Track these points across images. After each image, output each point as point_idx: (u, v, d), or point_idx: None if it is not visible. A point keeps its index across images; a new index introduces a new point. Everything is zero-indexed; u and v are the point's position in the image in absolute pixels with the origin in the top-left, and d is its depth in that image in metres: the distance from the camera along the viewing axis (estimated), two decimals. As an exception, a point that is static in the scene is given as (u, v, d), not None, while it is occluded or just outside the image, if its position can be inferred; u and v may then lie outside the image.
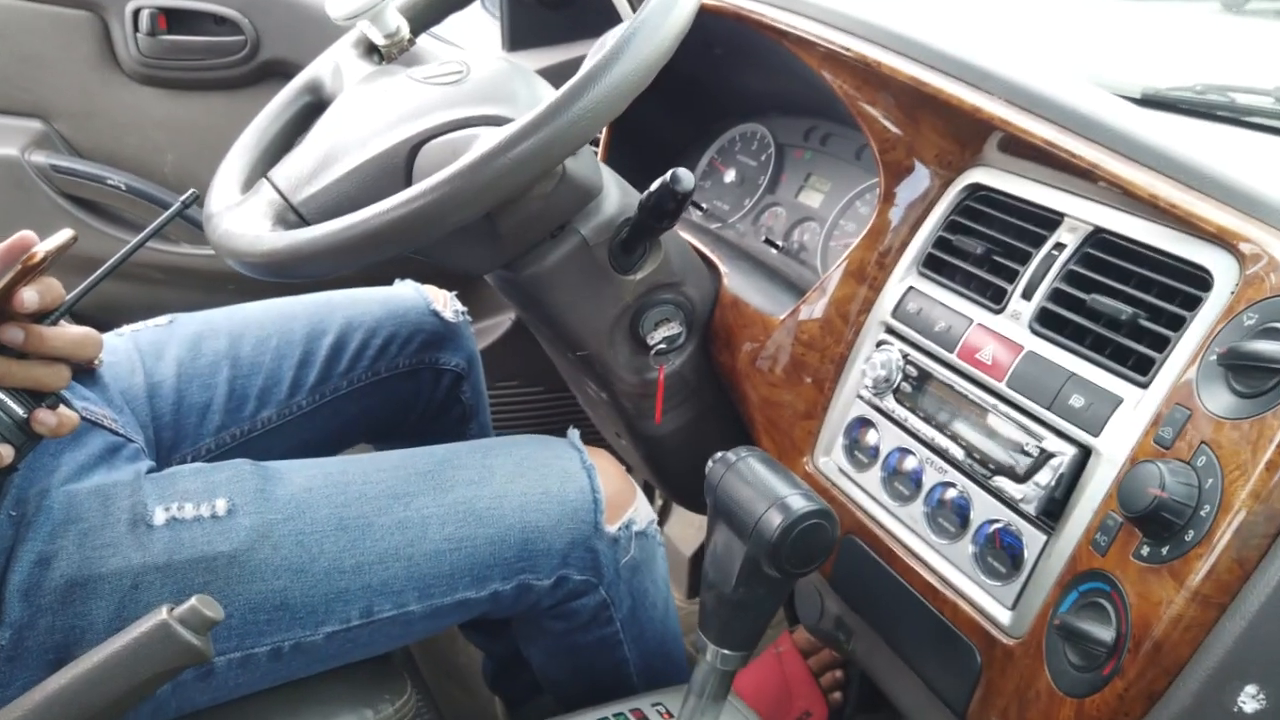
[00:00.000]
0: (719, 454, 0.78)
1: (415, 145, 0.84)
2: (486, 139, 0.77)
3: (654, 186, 0.87)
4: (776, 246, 1.15)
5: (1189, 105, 1.14)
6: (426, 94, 0.88)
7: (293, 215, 0.85)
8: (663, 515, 1.73)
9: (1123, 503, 0.64)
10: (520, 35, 1.53)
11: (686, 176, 0.85)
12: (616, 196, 0.94)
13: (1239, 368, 0.62)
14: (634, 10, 1.47)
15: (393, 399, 1.19)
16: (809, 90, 1.09)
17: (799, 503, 0.70)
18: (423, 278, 1.26)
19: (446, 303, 1.23)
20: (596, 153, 0.97)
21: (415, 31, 1.08)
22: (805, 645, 1.27)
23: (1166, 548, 0.62)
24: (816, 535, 0.70)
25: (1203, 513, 0.60)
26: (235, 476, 0.83)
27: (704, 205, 1.27)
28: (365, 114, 0.89)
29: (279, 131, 0.99)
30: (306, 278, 0.79)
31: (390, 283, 1.25)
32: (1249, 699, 0.58)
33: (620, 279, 0.96)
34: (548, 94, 0.91)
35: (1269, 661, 0.58)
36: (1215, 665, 0.58)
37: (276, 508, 0.82)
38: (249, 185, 0.92)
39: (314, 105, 1.03)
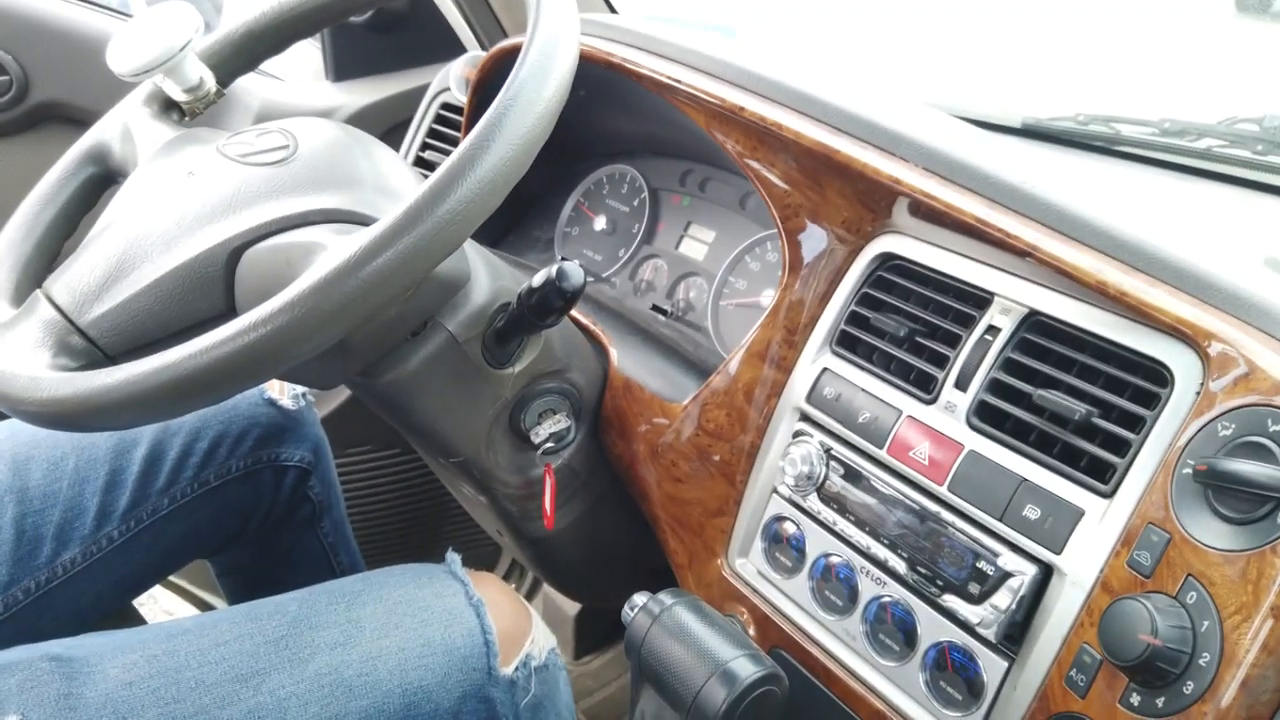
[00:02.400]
0: (639, 599, 0.66)
1: (236, 249, 0.68)
2: (334, 251, 0.61)
3: (536, 282, 0.74)
4: (664, 312, 1.04)
5: (1070, 136, 1.11)
6: (245, 177, 0.71)
7: (79, 341, 0.67)
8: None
9: (1108, 648, 0.56)
10: (346, 64, 1.35)
11: (575, 273, 0.73)
12: (486, 282, 0.80)
13: (1222, 489, 0.56)
14: (473, 31, 1.32)
15: (227, 509, 1.02)
16: (683, 134, 0.99)
17: (746, 669, 0.59)
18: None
19: (282, 388, 1.06)
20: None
21: (224, 81, 0.90)
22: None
23: (1162, 699, 0.55)
24: (766, 704, 0.60)
25: (1202, 662, 0.54)
26: (29, 680, 0.65)
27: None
28: (168, 203, 0.71)
29: (55, 218, 0.79)
30: (104, 430, 0.62)
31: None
32: None
33: (496, 374, 0.82)
34: (396, 173, 0.76)
35: (1290, 834, 0.52)
36: (1232, 839, 0.52)
37: (89, 717, 0.65)
38: (19, 297, 0.73)
39: (100, 179, 0.84)
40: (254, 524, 1.06)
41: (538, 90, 0.63)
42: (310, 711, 0.70)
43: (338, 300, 0.57)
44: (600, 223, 1.16)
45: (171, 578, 1.50)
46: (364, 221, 0.69)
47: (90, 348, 0.67)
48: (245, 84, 1.32)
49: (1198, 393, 0.60)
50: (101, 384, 0.59)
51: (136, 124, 0.84)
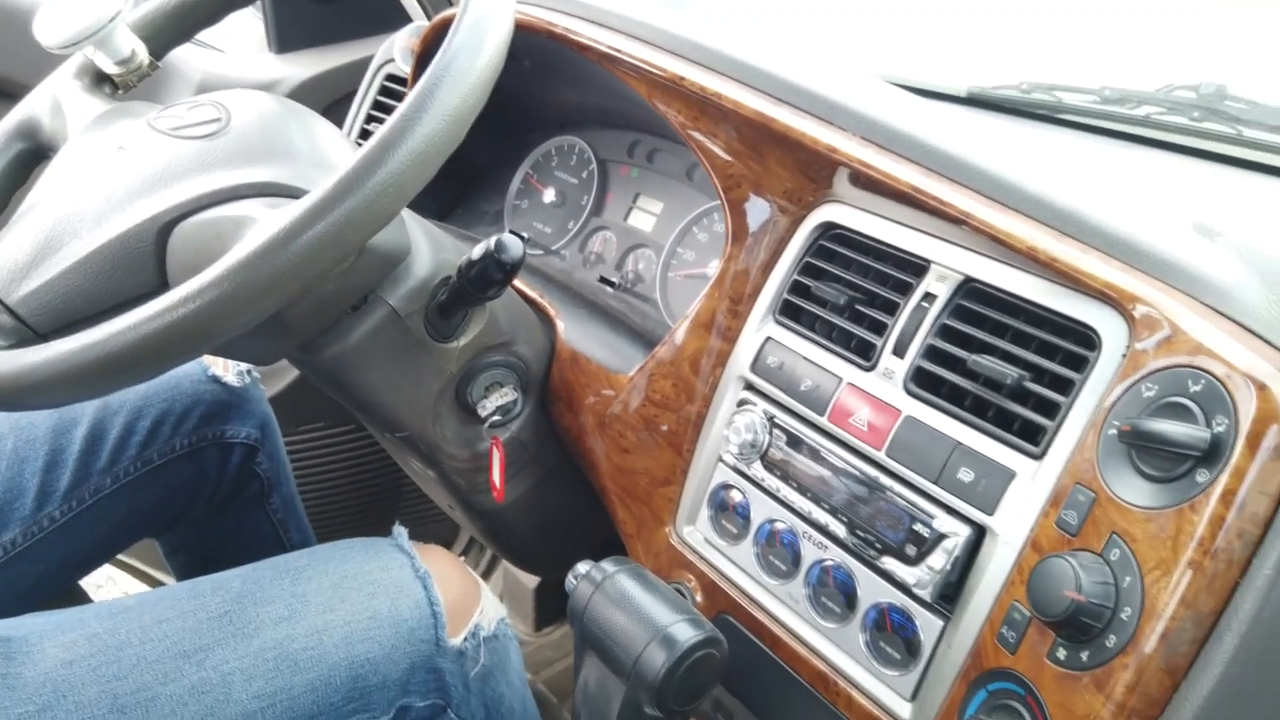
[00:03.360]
0: (582, 568, 0.67)
1: (166, 225, 0.66)
2: (265, 224, 0.61)
3: (475, 255, 0.74)
4: (612, 284, 1.04)
5: (1014, 104, 1.11)
6: (176, 151, 0.70)
7: (8, 319, 0.65)
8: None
9: (1035, 605, 0.58)
10: (288, 35, 1.33)
11: (514, 245, 0.72)
12: (428, 254, 0.80)
13: (1144, 448, 0.57)
14: (420, 2, 1.30)
15: (172, 488, 1.01)
16: (630, 105, 0.98)
17: (685, 633, 0.60)
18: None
19: (227, 364, 1.05)
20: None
21: (158, 53, 0.88)
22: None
23: (1086, 653, 0.56)
24: (706, 667, 0.61)
25: (1124, 615, 0.55)
26: None
27: (524, 234, 1.14)
28: (97, 178, 0.70)
29: (-17, 195, 0.78)
30: (34, 409, 0.61)
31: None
32: (1186, 819, 0.54)
33: (440, 348, 0.82)
34: (333, 145, 0.75)
35: (1206, 779, 0.54)
36: (1150, 786, 0.54)
37: (28, 696, 0.64)
38: (-55, 275, 0.71)
39: (29, 155, 0.82)
40: (200, 502, 1.05)
41: (470, 60, 0.62)
42: (255, 686, 0.70)
43: (268, 274, 0.57)
44: (549, 195, 1.16)
45: (123, 557, 1.49)
46: (297, 194, 0.68)
47: (19, 326, 0.66)
48: (184, 56, 1.29)
49: (1124, 355, 0.61)
50: (29, 362, 0.58)
51: (67, 98, 0.82)
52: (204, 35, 1.38)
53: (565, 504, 0.98)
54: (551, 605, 1.51)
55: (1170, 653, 0.53)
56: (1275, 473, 0.52)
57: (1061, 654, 0.58)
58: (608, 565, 0.66)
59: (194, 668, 0.69)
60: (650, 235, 1.06)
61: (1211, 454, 0.54)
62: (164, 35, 0.88)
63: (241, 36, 1.38)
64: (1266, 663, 0.52)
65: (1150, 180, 0.97)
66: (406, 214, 0.82)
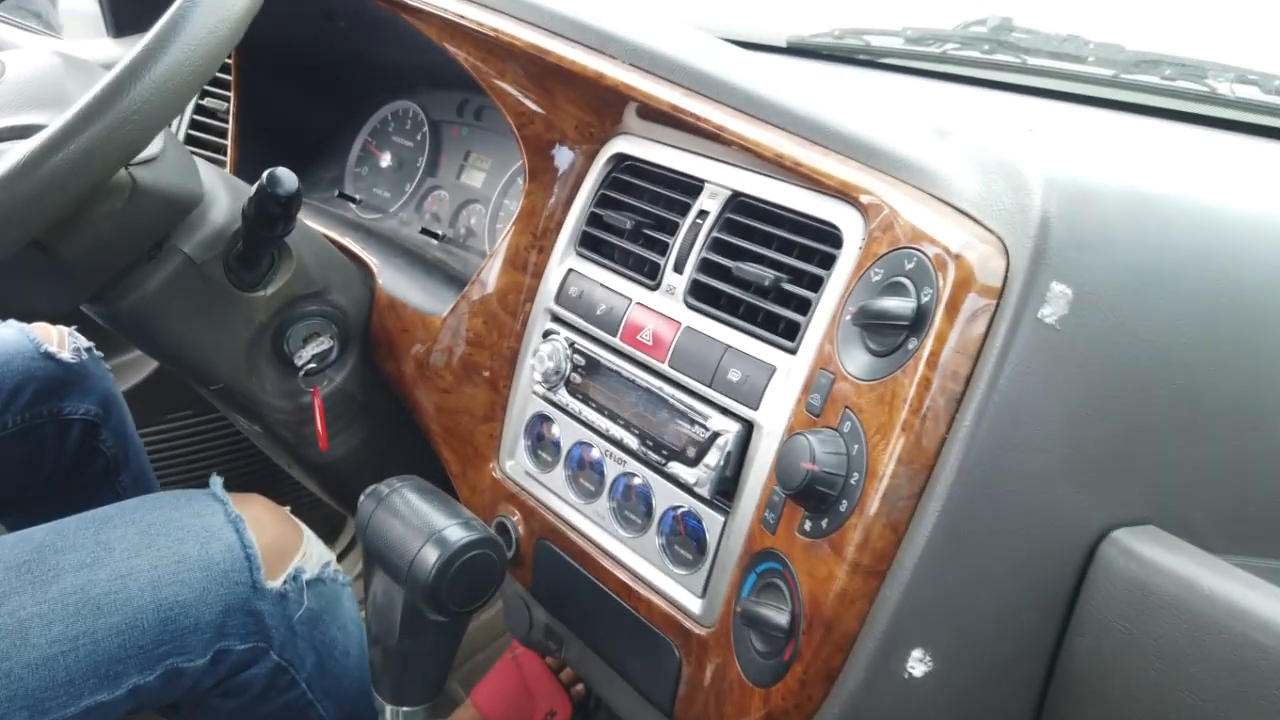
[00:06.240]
0: (370, 488, 0.69)
1: None
2: (10, 155, 0.61)
3: (251, 191, 0.75)
4: (436, 236, 1.06)
5: (829, 50, 1.16)
6: (-54, 104, 0.70)
7: None
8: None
9: (781, 480, 0.61)
10: (126, 16, 1.32)
11: (286, 176, 0.74)
12: (226, 202, 0.81)
13: (872, 327, 0.61)
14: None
15: (6, 467, 1.00)
16: (451, 61, 1.00)
17: (456, 534, 0.62)
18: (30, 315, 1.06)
19: (62, 341, 1.05)
20: (191, 154, 0.83)
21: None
22: (538, 644, 1.21)
23: (825, 520, 0.60)
24: (480, 567, 0.63)
25: (853, 481, 0.59)
26: None
27: (358, 196, 1.15)
28: None
29: None
30: None
31: (-16, 327, 1.04)
32: (917, 663, 0.58)
33: (246, 297, 0.83)
34: None
35: (929, 623, 0.57)
36: (882, 635, 0.57)
37: None
38: None
39: None
40: (41, 481, 1.04)
41: None
42: (54, 630, 0.70)
43: (8, 202, 0.57)
44: (386, 159, 1.17)
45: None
46: None
47: None
48: (15, 40, 1.28)
49: (860, 248, 0.65)
50: None
51: None
52: (43, 23, 1.38)
53: (399, 453, 0.99)
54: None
55: (890, 509, 0.57)
56: (972, 333, 0.56)
57: (807, 525, 0.61)
58: (394, 480, 0.68)
59: (-11, 615, 0.69)
60: (480, 190, 1.08)
61: (918, 322, 0.58)
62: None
63: (81, 20, 1.37)
64: (973, 509, 0.56)
65: (944, 109, 1.02)
66: (206, 166, 0.83)
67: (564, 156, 0.85)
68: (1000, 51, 1.03)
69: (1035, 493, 0.56)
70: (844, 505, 0.59)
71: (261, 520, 0.82)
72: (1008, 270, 0.56)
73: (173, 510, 0.79)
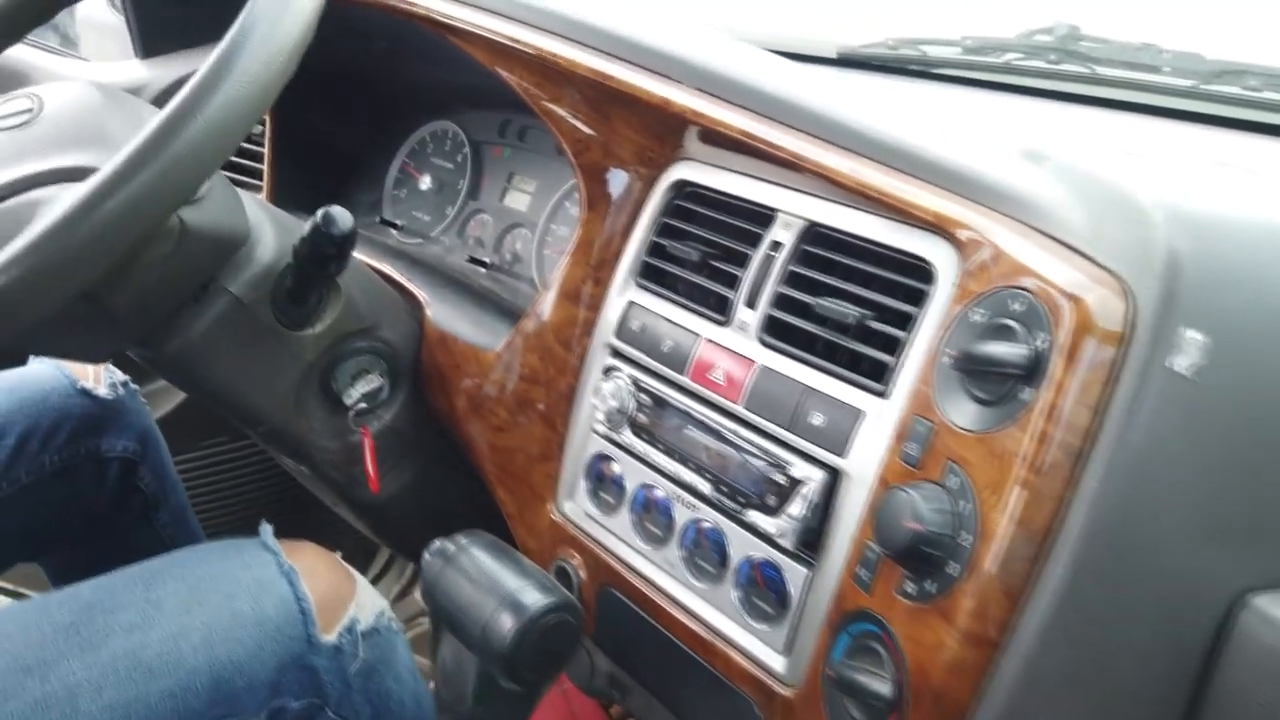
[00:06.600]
0: (436, 544, 0.65)
1: None
2: (57, 205, 0.58)
3: (305, 230, 0.72)
4: (484, 264, 1.03)
5: (883, 61, 1.12)
6: (-16, 144, 0.67)
7: None
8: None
9: (880, 538, 0.57)
10: (154, 37, 1.29)
11: (341, 216, 0.70)
12: (272, 238, 0.77)
13: (974, 372, 0.57)
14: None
15: (45, 508, 0.97)
16: (493, 81, 0.97)
17: (533, 597, 0.59)
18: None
19: (98, 376, 1.01)
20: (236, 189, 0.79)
21: (-15, 53, 0.85)
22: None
23: (931, 583, 0.56)
24: (560, 634, 0.59)
25: (962, 541, 0.55)
26: None
27: (399, 222, 1.12)
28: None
29: None
30: None
31: (21, 362, 1.01)
32: (1035, 740, 0.54)
33: (294, 336, 0.79)
34: None
35: (1049, 696, 0.53)
36: (999, 709, 0.53)
37: None
38: None
39: None
40: (79, 521, 1.01)
41: (273, 23, 0.60)
42: (105, 697, 0.67)
43: (59, 255, 0.54)
44: (426, 182, 1.14)
45: (6, 584, 1.43)
46: None
47: None
48: (39, 63, 1.25)
49: (955, 284, 0.61)
50: None
51: None
52: (90, 43, 1.34)
53: (452, 491, 0.96)
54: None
55: (1006, 574, 0.53)
56: (1094, 384, 0.52)
57: (910, 587, 0.57)
58: (460, 538, 0.64)
59: (37, 682, 0.65)
60: (525, 214, 1.05)
61: (1033, 370, 0.53)
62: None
63: (106, 41, 1.34)
64: (1100, 573, 0.52)
65: (1013, 124, 0.98)
66: (249, 198, 0.79)
67: (621, 183, 0.81)
68: (1068, 61, 0.98)
69: (1167, 555, 0.52)
70: (953, 568, 0.55)
71: (315, 570, 0.78)
72: (1132, 314, 0.52)
73: (223, 562, 0.76)
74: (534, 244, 1.02)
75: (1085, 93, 0.98)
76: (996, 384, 0.55)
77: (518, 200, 1.06)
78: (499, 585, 0.59)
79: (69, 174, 0.65)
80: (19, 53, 1.19)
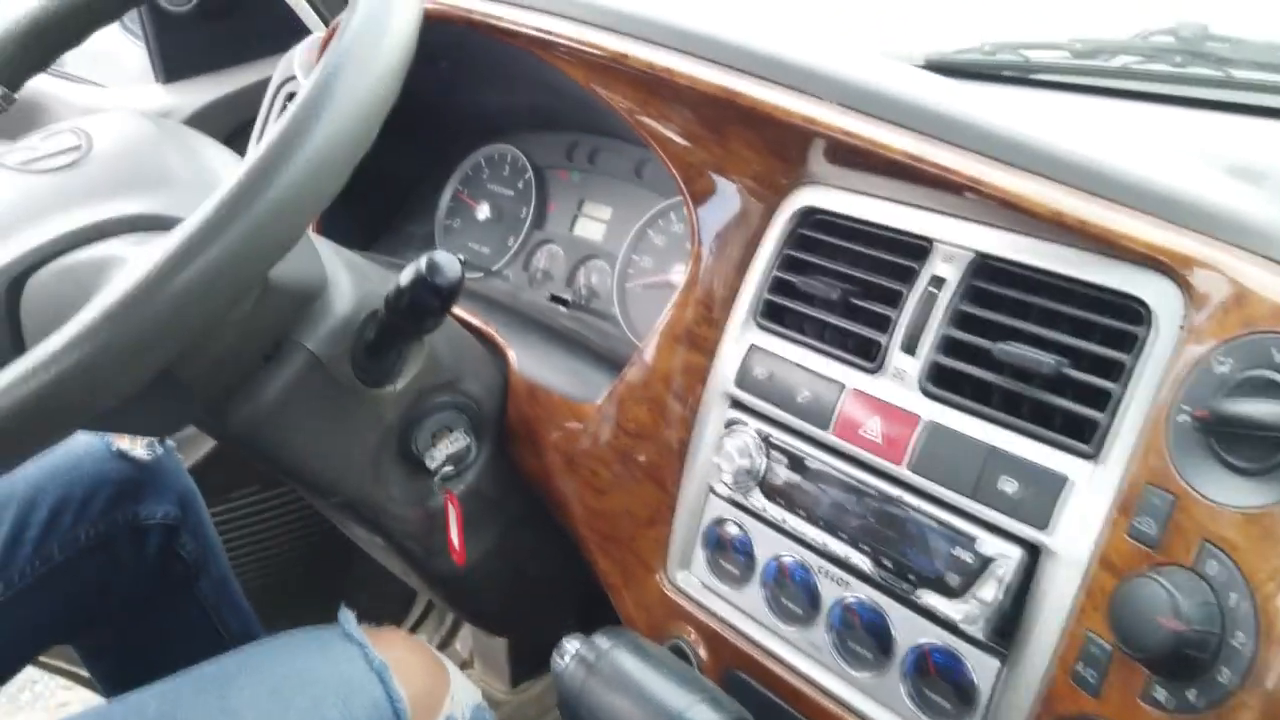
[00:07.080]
0: (569, 645, 0.55)
1: (16, 278, 0.54)
2: (133, 265, 0.48)
3: (404, 280, 0.62)
4: (565, 302, 0.93)
5: (978, 69, 1.03)
6: (27, 189, 0.58)
7: None
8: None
9: (1124, 638, 0.48)
10: (175, 61, 1.20)
11: (449, 264, 0.61)
12: (349, 288, 0.68)
13: (1228, 435, 0.48)
14: (316, 9, 1.18)
15: (81, 586, 0.88)
16: (562, 101, 0.88)
17: (708, 717, 0.49)
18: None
19: (135, 437, 0.92)
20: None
21: (12, 84, 0.75)
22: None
23: (1194, 692, 0.47)
24: (735, 756, 0.50)
25: (1235, 643, 0.45)
26: None
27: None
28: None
29: None
30: None
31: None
32: None
33: (374, 394, 0.70)
34: (221, 165, 0.63)
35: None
36: None
37: None
38: None
39: None
40: (117, 597, 0.91)
41: (373, 43, 0.51)
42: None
43: (140, 327, 0.45)
44: (484, 211, 1.04)
45: (45, 659, 1.33)
46: (173, 226, 0.56)
47: None
48: (57, 92, 1.16)
49: (1181, 327, 0.52)
50: None
51: None
52: (81, 69, 1.25)
53: (538, 558, 0.86)
54: (528, 657, 1.38)
55: (1302, 684, 0.44)
56: (1403, 452, 0.43)
57: (1161, 695, 0.48)
58: (600, 641, 0.55)
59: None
60: (601, 245, 0.95)
61: (1320, 436, 0.44)
62: (18, 63, 0.75)
63: (124, 67, 1.25)
64: None
65: (1141, 135, 0.89)
66: (318, 241, 0.70)
67: (737, 211, 0.72)
68: (1195, 64, 0.90)
69: None
70: (1225, 675, 0.46)
71: (406, 663, 0.69)
72: None
73: (304, 658, 0.66)
74: (614, 278, 0.93)
75: (1214, 97, 0.89)
76: (1262, 449, 0.46)
77: (591, 229, 0.97)
78: (663, 705, 0.50)
79: (133, 222, 0.55)
80: (32, 80, 1.10)
